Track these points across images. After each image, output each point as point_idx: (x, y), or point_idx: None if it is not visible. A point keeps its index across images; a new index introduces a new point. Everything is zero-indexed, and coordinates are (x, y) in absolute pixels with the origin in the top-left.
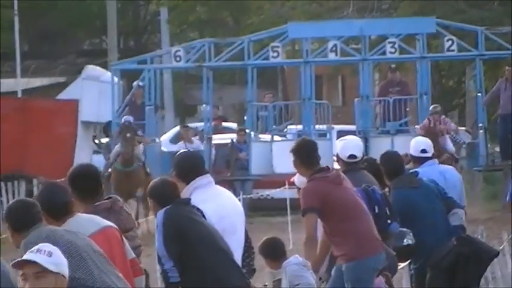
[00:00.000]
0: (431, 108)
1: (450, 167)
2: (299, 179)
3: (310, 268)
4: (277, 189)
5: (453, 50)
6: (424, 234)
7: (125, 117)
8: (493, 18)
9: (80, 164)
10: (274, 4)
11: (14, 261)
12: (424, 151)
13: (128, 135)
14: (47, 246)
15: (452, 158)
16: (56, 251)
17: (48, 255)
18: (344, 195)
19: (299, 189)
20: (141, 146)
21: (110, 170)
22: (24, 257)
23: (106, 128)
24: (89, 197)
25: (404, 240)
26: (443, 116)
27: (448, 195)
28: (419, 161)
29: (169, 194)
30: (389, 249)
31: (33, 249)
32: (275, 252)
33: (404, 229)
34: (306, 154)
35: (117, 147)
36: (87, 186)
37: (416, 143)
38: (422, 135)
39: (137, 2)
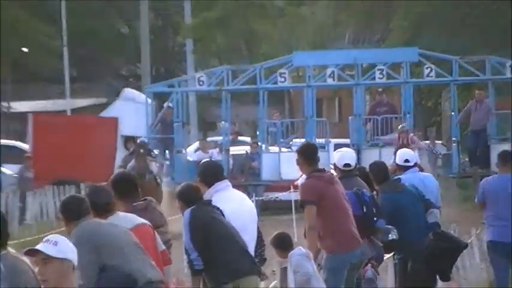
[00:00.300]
0: (399, 127)
1: (429, 174)
2: (302, 182)
3: (311, 259)
4: (284, 193)
5: (432, 76)
6: (407, 230)
7: (140, 138)
8: (470, 47)
9: (120, 171)
10: (282, 34)
11: (25, 250)
12: (407, 161)
13: (141, 151)
14: (53, 237)
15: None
16: (63, 241)
17: (54, 245)
18: (334, 195)
19: None
20: (153, 163)
21: None
22: (35, 247)
23: (125, 143)
24: (128, 198)
25: (389, 235)
26: (411, 134)
27: (426, 197)
28: (403, 168)
29: (194, 196)
30: (377, 241)
31: (43, 239)
32: (284, 244)
33: (390, 226)
34: (308, 154)
35: (132, 162)
36: (127, 189)
37: (401, 154)
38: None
39: (167, 34)
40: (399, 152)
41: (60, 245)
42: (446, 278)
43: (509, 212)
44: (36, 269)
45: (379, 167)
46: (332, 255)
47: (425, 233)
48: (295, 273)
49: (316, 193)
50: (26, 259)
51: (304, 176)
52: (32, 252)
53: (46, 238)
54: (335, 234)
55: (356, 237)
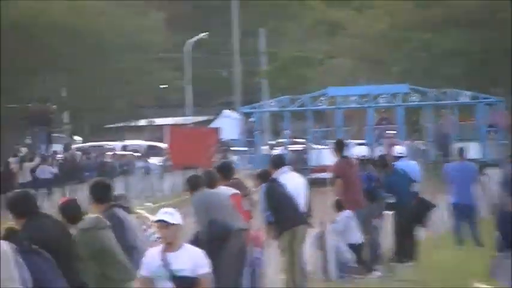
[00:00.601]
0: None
1: (414, 162)
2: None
3: (354, 221)
4: (323, 173)
5: (415, 101)
6: (400, 197)
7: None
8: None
9: (223, 161)
10: (321, 76)
11: (154, 220)
12: (400, 153)
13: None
14: (168, 209)
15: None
16: (175, 212)
17: (170, 214)
18: (350, 172)
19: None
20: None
21: None
22: (157, 217)
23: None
24: (227, 176)
25: (390, 200)
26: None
27: (410, 176)
28: (398, 159)
29: (267, 176)
30: (381, 204)
31: (162, 211)
32: (337, 207)
33: (390, 194)
34: (340, 146)
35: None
36: (227, 171)
37: (397, 149)
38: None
39: (251, 74)
40: (395, 147)
41: (175, 215)
42: (423, 225)
43: (467, 185)
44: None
45: (382, 158)
46: (347, 212)
47: (410, 198)
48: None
49: (341, 170)
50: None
51: (336, 160)
52: (157, 221)
53: (164, 210)
54: (347, 197)
55: (359, 201)
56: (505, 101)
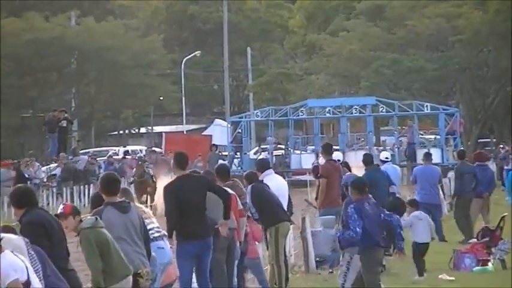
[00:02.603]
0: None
1: (396, 166)
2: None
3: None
4: (303, 176)
5: (383, 112)
6: (379, 194)
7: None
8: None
9: (221, 163)
10: (301, 90)
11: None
12: (386, 158)
13: (139, 162)
14: None
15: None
16: None
17: None
18: (334, 174)
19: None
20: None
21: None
22: None
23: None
24: (223, 178)
25: None
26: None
27: (390, 177)
28: (383, 163)
29: (253, 177)
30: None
31: None
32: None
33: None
34: (327, 149)
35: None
36: (223, 173)
37: (383, 154)
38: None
39: (239, 87)
40: (381, 153)
41: None
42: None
43: (432, 186)
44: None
45: (365, 157)
46: (323, 210)
47: (388, 195)
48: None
49: (327, 171)
50: None
51: (323, 161)
52: None
53: None
54: (328, 196)
55: (337, 200)
56: (460, 110)
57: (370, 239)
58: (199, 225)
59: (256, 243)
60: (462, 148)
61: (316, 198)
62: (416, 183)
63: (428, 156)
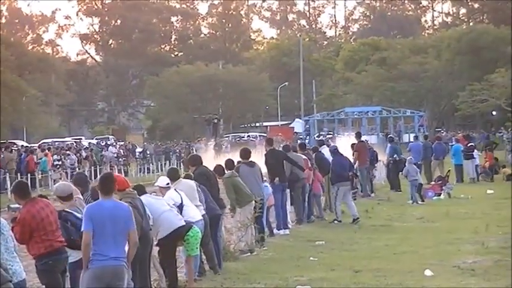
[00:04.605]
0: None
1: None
2: None
3: None
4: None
5: (385, 114)
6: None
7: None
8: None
9: (299, 143)
10: (342, 102)
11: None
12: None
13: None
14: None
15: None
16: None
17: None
18: (363, 149)
19: None
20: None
21: None
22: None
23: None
24: (302, 150)
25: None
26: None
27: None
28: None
29: (315, 150)
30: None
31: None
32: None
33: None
34: (359, 135)
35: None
36: (302, 147)
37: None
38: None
39: (309, 101)
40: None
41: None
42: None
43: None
44: None
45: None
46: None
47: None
48: None
49: (359, 148)
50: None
51: (357, 142)
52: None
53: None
54: (360, 160)
55: (367, 161)
56: (425, 113)
57: None
58: (281, 173)
59: (319, 184)
60: (427, 134)
61: (355, 162)
62: (410, 151)
63: (415, 138)
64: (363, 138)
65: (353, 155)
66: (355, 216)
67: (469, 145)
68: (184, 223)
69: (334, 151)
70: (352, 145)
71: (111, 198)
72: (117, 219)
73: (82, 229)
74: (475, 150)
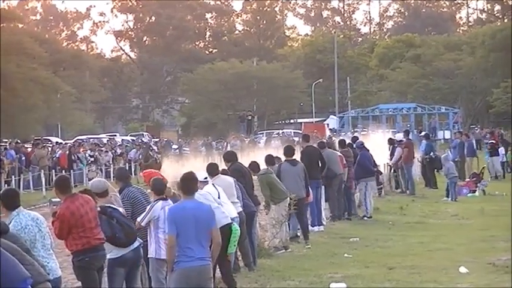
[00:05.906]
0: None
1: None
2: None
3: None
4: None
5: (419, 111)
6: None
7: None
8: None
9: (339, 139)
10: (376, 99)
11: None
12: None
13: (144, 146)
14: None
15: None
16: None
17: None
18: (411, 146)
19: None
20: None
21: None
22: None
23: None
24: (342, 147)
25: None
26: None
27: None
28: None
29: (348, 146)
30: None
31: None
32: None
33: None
34: (406, 133)
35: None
36: (342, 144)
37: (397, 136)
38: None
39: (343, 97)
40: (396, 135)
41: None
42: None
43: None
44: None
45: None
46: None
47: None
48: None
49: (406, 145)
50: None
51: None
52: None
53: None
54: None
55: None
56: (460, 110)
57: None
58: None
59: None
60: (461, 131)
61: (398, 159)
62: (455, 148)
63: (460, 133)
64: (397, 135)
65: (390, 152)
66: (368, 215)
67: (490, 142)
68: (230, 220)
69: (361, 146)
70: (390, 140)
71: (193, 199)
72: (200, 219)
73: (166, 232)
74: (501, 147)
